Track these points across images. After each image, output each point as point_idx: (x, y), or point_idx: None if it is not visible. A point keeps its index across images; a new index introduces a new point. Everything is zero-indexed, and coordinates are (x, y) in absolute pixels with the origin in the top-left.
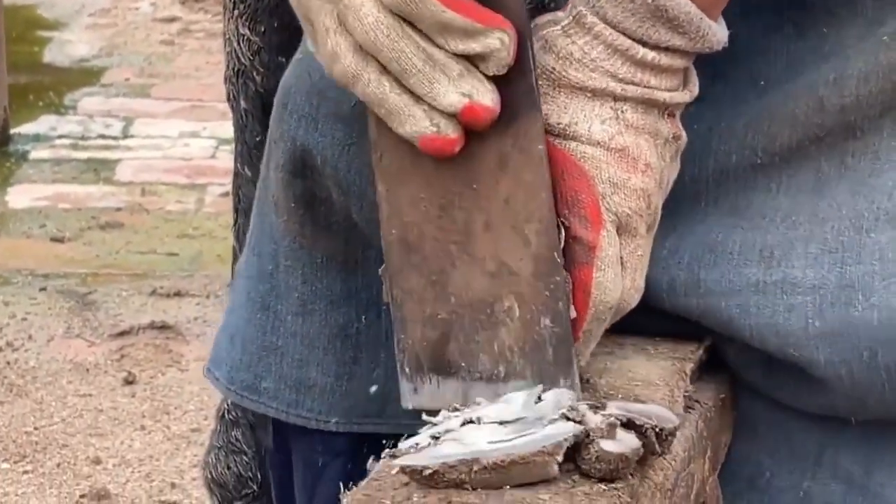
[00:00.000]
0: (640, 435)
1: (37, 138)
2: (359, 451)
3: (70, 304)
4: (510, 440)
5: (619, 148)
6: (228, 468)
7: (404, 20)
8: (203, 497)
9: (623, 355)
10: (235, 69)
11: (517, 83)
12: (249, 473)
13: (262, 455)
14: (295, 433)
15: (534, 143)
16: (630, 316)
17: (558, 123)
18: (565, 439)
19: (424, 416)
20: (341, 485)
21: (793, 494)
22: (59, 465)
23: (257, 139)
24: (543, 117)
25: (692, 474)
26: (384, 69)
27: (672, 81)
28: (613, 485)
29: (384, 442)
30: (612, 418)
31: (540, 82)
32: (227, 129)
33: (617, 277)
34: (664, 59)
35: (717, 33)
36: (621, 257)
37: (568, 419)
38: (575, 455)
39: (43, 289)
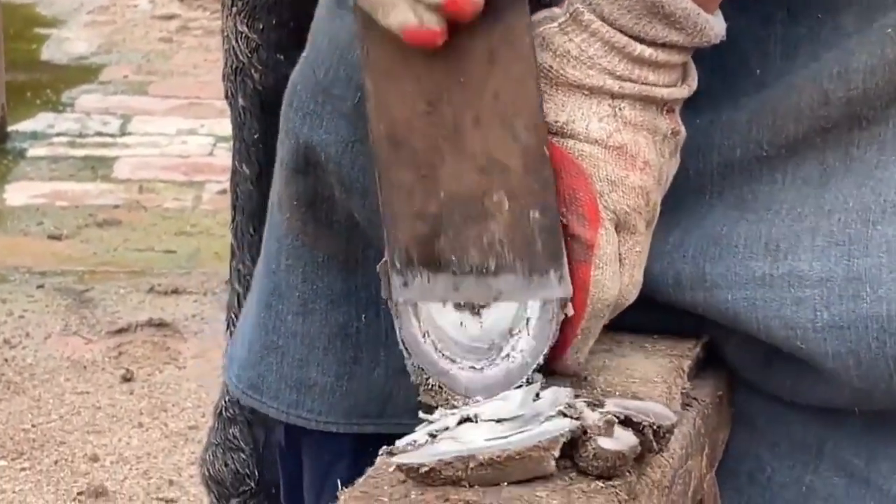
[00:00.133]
0: (637, 432)
1: (34, 136)
2: (365, 450)
3: (67, 301)
4: (507, 437)
5: (617, 146)
6: (226, 465)
7: None
8: (201, 494)
9: (621, 353)
10: (234, 66)
11: None
12: (247, 470)
13: (259, 452)
14: (303, 431)
15: (522, 36)
16: (631, 312)
17: (556, 121)
18: (561, 434)
19: (421, 415)
20: (339, 483)
21: (795, 489)
22: (56, 462)
23: (255, 136)
24: (530, 11)
25: (690, 471)
26: None
27: (670, 77)
28: (611, 482)
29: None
30: (610, 416)
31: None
32: (225, 126)
33: (615, 275)
34: (661, 56)
35: (715, 27)
36: (620, 254)
37: (565, 416)
38: (572, 452)
39: (40, 286)
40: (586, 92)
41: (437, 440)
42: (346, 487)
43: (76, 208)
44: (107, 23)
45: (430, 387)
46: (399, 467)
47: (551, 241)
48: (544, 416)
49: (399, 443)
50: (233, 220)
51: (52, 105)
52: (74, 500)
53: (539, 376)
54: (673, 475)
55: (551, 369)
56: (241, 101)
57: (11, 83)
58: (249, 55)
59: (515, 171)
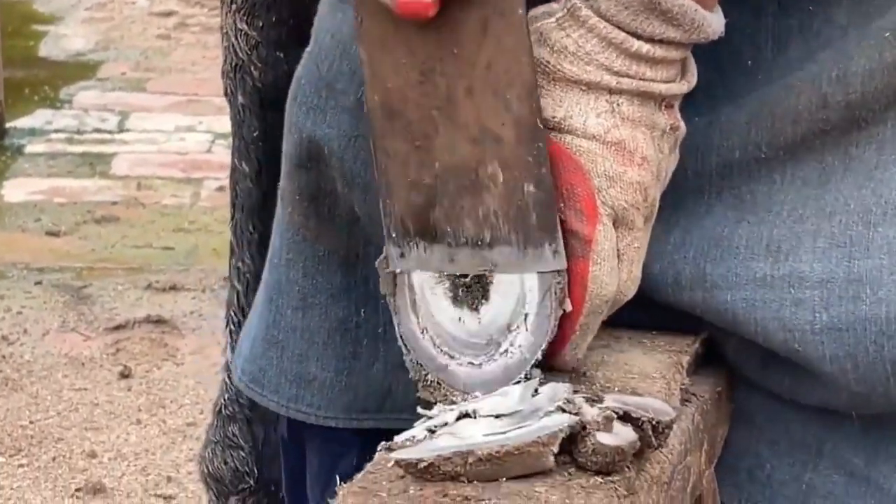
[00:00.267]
0: (636, 428)
1: (32, 132)
2: (371, 441)
3: (65, 298)
4: (505, 432)
5: (615, 141)
6: (225, 463)
7: None
8: (199, 491)
9: (620, 348)
10: (233, 64)
11: None
12: (246, 468)
13: (258, 450)
14: (307, 425)
15: (514, 7)
16: (629, 311)
17: (553, 117)
18: (560, 430)
19: (420, 410)
20: (338, 478)
21: (794, 487)
22: (54, 458)
23: (255, 134)
24: None
25: (689, 467)
26: None
27: (668, 73)
28: (610, 478)
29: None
30: (609, 411)
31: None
32: (223, 123)
33: (613, 271)
34: (659, 52)
35: (713, 24)
36: (618, 250)
37: (564, 411)
38: (571, 448)
39: (38, 283)
40: (584, 87)
41: (435, 435)
42: (347, 482)
43: (74, 205)
44: (104, 19)
45: (428, 383)
46: (398, 463)
47: (546, 215)
48: (543, 412)
49: (398, 438)
50: (232, 218)
51: (50, 102)
52: (72, 496)
53: (537, 372)
54: (672, 471)
55: (549, 365)
56: (240, 98)
57: (9, 80)
58: (249, 52)
59: (508, 141)
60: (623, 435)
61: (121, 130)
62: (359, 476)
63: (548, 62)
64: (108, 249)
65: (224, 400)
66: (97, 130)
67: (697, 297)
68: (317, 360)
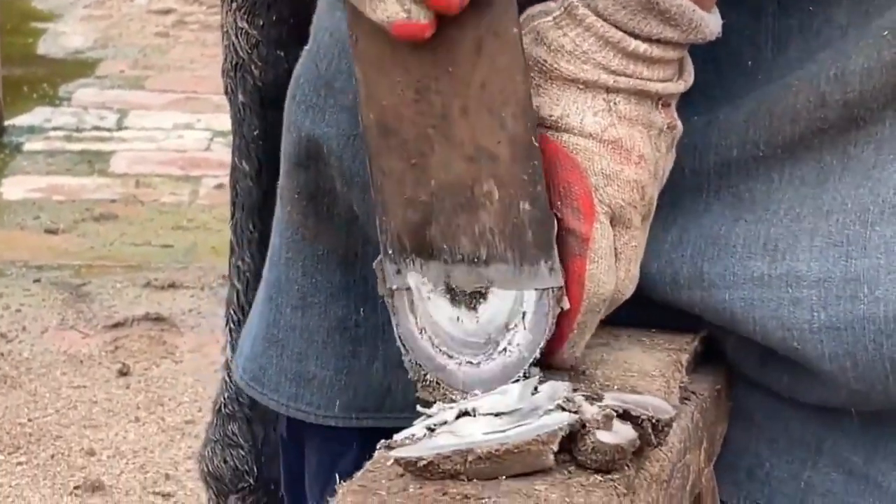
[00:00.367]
0: (636, 426)
1: (31, 130)
2: (371, 439)
3: (64, 295)
4: (505, 431)
5: (612, 140)
6: (225, 462)
7: None
8: (197, 488)
9: (619, 346)
10: (233, 63)
11: None
12: (246, 467)
13: (258, 449)
14: (307, 424)
15: (508, 28)
16: (627, 310)
17: (550, 116)
18: (560, 428)
19: (419, 409)
20: (337, 477)
21: (793, 485)
22: (53, 456)
23: (255, 133)
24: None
25: (688, 465)
26: None
27: (666, 72)
28: (609, 476)
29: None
30: (609, 409)
31: (532, 74)
32: (222, 120)
33: (611, 269)
34: (656, 51)
35: (710, 24)
36: (615, 248)
37: (564, 409)
38: (571, 446)
39: (37, 280)
40: (581, 86)
41: (435, 434)
42: (346, 481)
43: (73, 202)
44: (103, 17)
45: (427, 383)
46: (397, 461)
47: (542, 233)
48: (543, 410)
49: (397, 436)
50: (232, 217)
51: (49, 99)
52: (71, 494)
53: (536, 370)
54: (671, 469)
55: (548, 363)
56: (240, 97)
57: (8, 77)
58: (249, 51)
59: (503, 160)
60: (623, 433)
61: (119, 128)
62: (358, 474)
63: (545, 61)
64: (106, 247)
65: (224, 399)
66: (96, 128)
67: (695, 296)
68: (316, 358)
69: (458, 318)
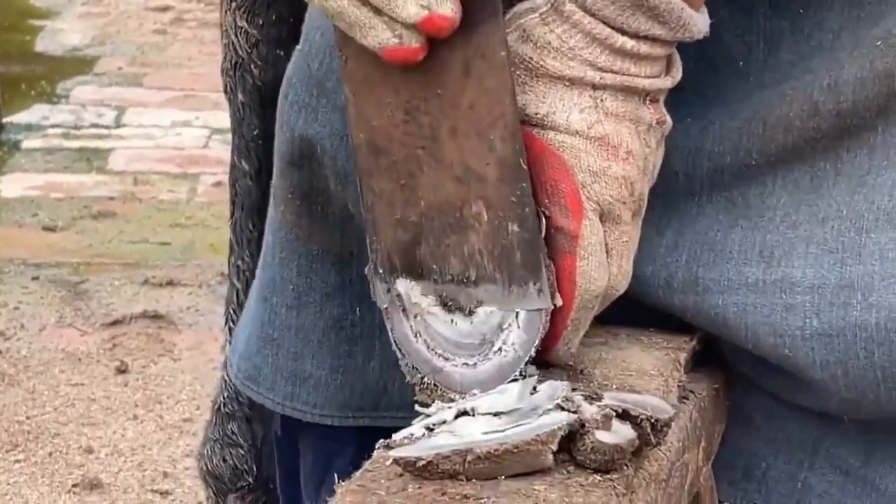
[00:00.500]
0: (635, 426)
1: (29, 127)
2: (367, 439)
3: (62, 293)
4: (504, 430)
5: (599, 136)
6: (224, 461)
7: None
8: (195, 486)
9: (617, 345)
10: (233, 62)
11: None
12: (245, 466)
13: (258, 448)
14: (302, 423)
15: (496, 50)
16: (620, 313)
17: (536, 113)
18: (559, 428)
19: (418, 408)
20: (336, 476)
21: (791, 485)
22: (51, 454)
23: (255, 132)
24: (504, 25)
25: (686, 464)
26: None
27: (653, 69)
28: (608, 476)
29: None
30: (608, 409)
31: (518, 72)
32: (220, 118)
33: (602, 265)
34: (644, 48)
35: (699, 22)
36: (606, 244)
37: (563, 409)
38: (570, 446)
39: (35, 278)
40: (567, 83)
41: (434, 433)
42: (345, 480)
43: (71, 200)
44: (101, 14)
45: (425, 386)
46: (396, 461)
47: (530, 254)
48: (542, 410)
49: (396, 436)
50: (232, 216)
51: (47, 97)
52: (69, 492)
53: (533, 369)
54: (670, 468)
55: (544, 361)
56: (240, 96)
57: (6, 75)
58: (249, 50)
59: (492, 181)
60: (622, 433)
61: (117, 126)
62: (357, 474)
63: (530, 58)
64: (104, 245)
65: (223, 398)
66: (94, 125)
67: (689, 301)
68: (312, 357)
69: (452, 321)
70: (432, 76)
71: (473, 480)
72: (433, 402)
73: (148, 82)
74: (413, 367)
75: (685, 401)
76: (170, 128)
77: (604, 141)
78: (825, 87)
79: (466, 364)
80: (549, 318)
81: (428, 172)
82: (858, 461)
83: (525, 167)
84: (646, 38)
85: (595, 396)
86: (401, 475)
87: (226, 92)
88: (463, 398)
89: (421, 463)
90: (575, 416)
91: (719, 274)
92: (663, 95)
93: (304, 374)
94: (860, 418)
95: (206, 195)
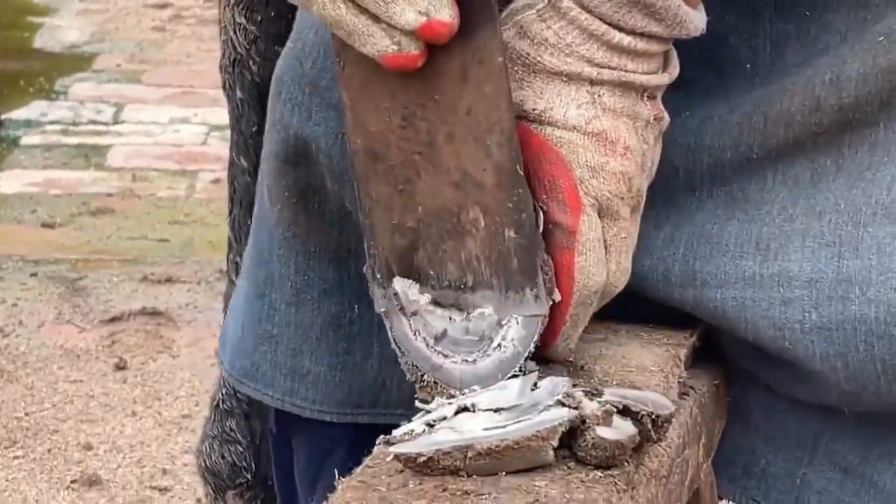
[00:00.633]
0: (636, 422)
1: (28, 124)
2: (362, 435)
3: (61, 289)
4: (505, 426)
5: (597, 132)
6: (222, 457)
7: None
8: (194, 483)
9: (617, 342)
10: (231, 58)
11: None
12: (243, 463)
13: (256, 445)
14: (298, 418)
15: (493, 56)
16: (620, 307)
17: (533, 109)
18: (560, 424)
19: (418, 404)
20: (336, 472)
21: (789, 481)
22: (49, 450)
23: (253, 129)
24: (501, 31)
25: (687, 461)
26: None
27: (650, 65)
28: (609, 472)
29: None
30: (609, 405)
31: (515, 67)
32: (219, 115)
33: (600, 261)
34: (640, 44)
35: (695, 20)
36: (605, 240)
37: (563, 405)
38: (571, 442)
39: (34, 274)
40: (564, 79)
41: (434, 430)
42: (343, 476)
43: (69, 196)
44: (99, 11)
45: (425, 383)
46: (397, 457)
47: (527, 260)
48: (542, 406)
49: (396, 432)
50: (230, 213)
51: (46, 93)
52: (68, 488)
53: (533, 364)
54: (670, 465)
55: (542, 356)
56: (239, 93)
57: (4, 71)
58: (248, 47)
59: (489, 187)
60: (623, 429)
61: (116, 122)
62: (358, 470)
63: (528, 54)
64: (103, 241)
65: (222, 395)
66: (92, 122)
67: (688, 295)
68: (311, 354)
69: (450, 318)
70: (429, 82)
71: (474, 476)
72: (434, 399)
73: (146, 79)
74: (413, 366)
75: (685, 397)
76: (168, 124)
77: (601, 136)
78: (827, 83)
79: (466, 360)
80: (547, 314)
81: (425, 178)
82: (857, 458)
83: (521, 173)
84: (642, 34)
85: (596, 392)
86: (401, 471)
87: (224, 88)
88: (463, 394)
89: (422, 459)
90: (576, 413)
91: (716, 267)
92: (661, 92)
93: (303, 371)
94: (860, 410)
95: (205, 192)
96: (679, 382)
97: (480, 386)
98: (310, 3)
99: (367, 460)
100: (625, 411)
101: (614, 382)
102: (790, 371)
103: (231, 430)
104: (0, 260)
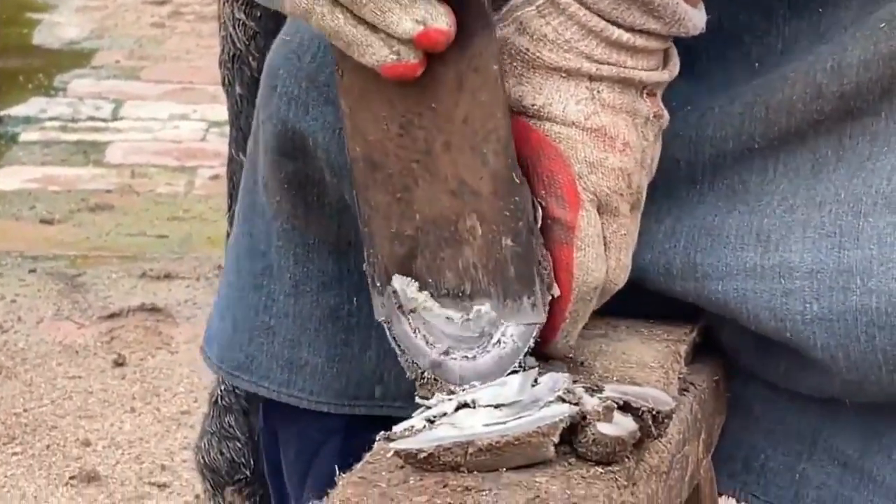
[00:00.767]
0: (636, 418)
1: (27, 120)
2: (354, 428)
3: (59, 286)
4: (505, 422)
5: (596, 128)
6: (221, 454)
7: None
8: (193, 479)
9: (617, 337)
10: (231, 54)
11: (469, 3)
12: (242, 459)
13: (254, 441)
14: (287, 412)
15: (489, 64)
16: (622, 300)
17: (533, 105)
18: (560, 420)
19: (418, 400)
20: (332, 463)
21: (789, 476)
22: (48, 446)
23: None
24: (498, 39)
25: (687, 456)
26: (335, 1)
27: (650, 62)
28: (610, 468)
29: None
30: (609, 401)
31: (514, 63)
32: (218, 111)
33: (599, 257)
34: (640, 41)
35: (694, 18)
36: (604, 237)
37: (564, 401)
38: (572, 438)
39: (32, 271)
40: (563, 75)
41: (435, 426)
42: (340, 468)
43: (68, 193)
44: (98, 8)
45: (425, 380)
46: (397, 453)
47: (524, 268)
48: (543, 402)
49: (397, 428)
50: (229, 209)
51: (44, 90)
52: (66, 484)
53: (533, 360)
54: (671, 460)
55: (542, 352)
56: (238, 88)
57: (3, 68)
58: (247, 42)
59: (486, 195)
60: (623, 425)
61: (115, 118)
62: (358, 466)
63: (527, 50)
64: (102, 237)
65: (220, 391)
66: (91, 118)
67: (689, 287)
68: (309, 345)
69: (448, 317)
70: (426, 91)
71: (475, 472)
72: (434, 396)
73: (145, 75)
74: (413, 363)
75: (686, 393)
76: (167, 121)
77: (600, 132)
78: (828, 70)
79: (466, 357)
80: (547, 308)
81: (423, 186)
82: (856, 452)
83: (518, 181)
84: (641, 31)
85: (596, 388)
86: (402, 467)
87: (223, 84)
88: (463, 391)
89: (422, 455)
90: (576, 408)
91: (717, 259)
92: (660, 89)
93: (301, 362)
94: (861, 401)
95: (204, 188)
96: (679, 378)
97: (480, 382)
98: (308, 15)
99: (367, 456)
100: (625, 407)
101: (614, 378)
102: (791, 363)
103: (230, 426)
104: None
